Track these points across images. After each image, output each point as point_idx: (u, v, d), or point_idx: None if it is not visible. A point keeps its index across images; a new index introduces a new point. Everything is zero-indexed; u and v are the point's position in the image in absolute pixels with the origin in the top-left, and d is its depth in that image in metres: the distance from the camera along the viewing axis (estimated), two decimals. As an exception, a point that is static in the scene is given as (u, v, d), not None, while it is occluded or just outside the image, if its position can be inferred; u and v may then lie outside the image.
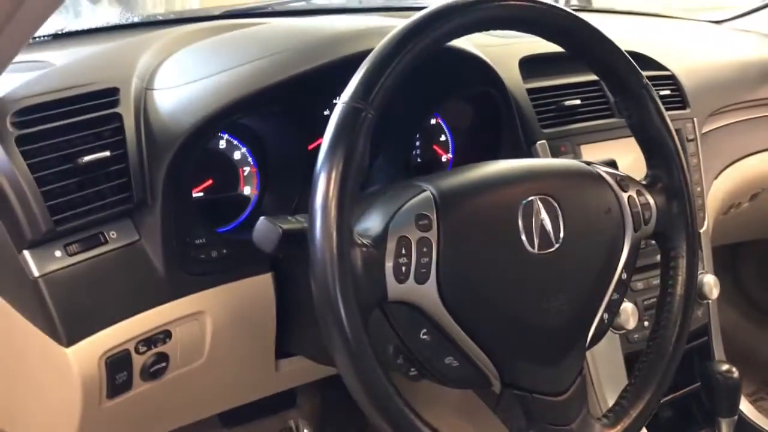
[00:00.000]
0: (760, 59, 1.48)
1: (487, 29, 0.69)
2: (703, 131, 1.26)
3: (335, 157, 0.56)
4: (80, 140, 0.72)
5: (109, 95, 0.77)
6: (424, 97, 0.94)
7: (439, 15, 0.62)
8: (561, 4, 1.73)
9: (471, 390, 0.72)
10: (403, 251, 0.59)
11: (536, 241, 0.65)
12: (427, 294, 0.60)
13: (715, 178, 1.28)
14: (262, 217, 0.63)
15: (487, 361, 0.64)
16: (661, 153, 0.75)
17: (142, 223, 0.75)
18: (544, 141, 1.00)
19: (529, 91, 1.02)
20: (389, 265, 0.59)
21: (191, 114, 0.75)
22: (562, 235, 0.66)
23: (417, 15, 0.62)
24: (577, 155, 1.03)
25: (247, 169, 0.89)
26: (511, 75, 1.00)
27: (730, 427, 1.04)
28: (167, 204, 0.75)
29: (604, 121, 1.08)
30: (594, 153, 1.04)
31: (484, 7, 0.64)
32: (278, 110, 0.83)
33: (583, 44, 0.72)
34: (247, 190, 0.90)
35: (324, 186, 0.56)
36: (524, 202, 0.65)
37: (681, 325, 0.74)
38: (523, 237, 0.64)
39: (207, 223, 0.81)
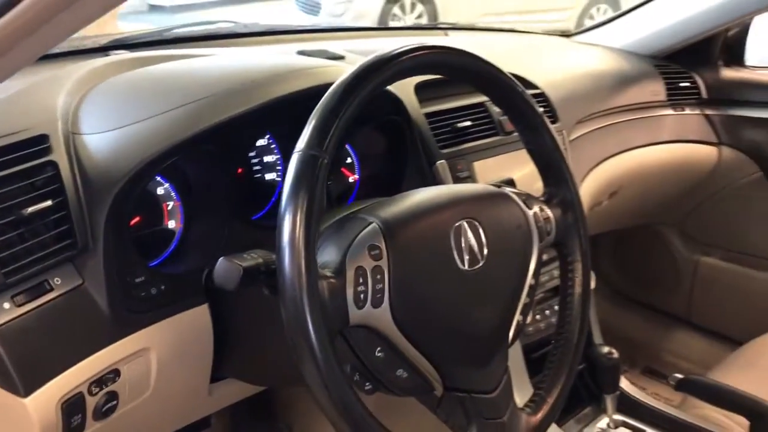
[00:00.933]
0: (609, 71, 1.67)
1: (415, 75, 0.77)
2: (570, 139, 1.41)
3: (298, 200, 0.62)
4: (19, 191, 0.73)
5: (41, 143, 0.77)
6: None
7: (375, 66, 0.70)
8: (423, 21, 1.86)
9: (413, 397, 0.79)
10: (361, 280, 0.66)
11: (466, 259, 0.74)
12: (382, 316, 0.67)
13: (582, 181, 1.45)
14: (221, 258, 0.68)
15: (431, 369, 0.72)
16: (556, 173, 0.87)
17: (85, 267, 0.77)
18: (443, 161, 1.10)
19: (426, 115, 1.12)
20: (350, 292, 0.65)
21: (129, 159, 0.78)
22: (485, 252, 0.76)
23: (355, 67, 0.69)
24: (471, 171, 1.13)
25: (170, 203, 0.92)
26: (410, 101, 1.09)
27: (613, 402, 1.19)
28: (108, 246, 0.77)
29: (490, 140, 1.20)
30: (485, 167, 1.16)
31: (410, 56, 0.72)
32: (205, 148, 0.87)
33: (488, 84, 0.82)
34: (171, 224, 0.93)
35: (290, 227, 0.62)
36: (455, 225, 0.74)
37: (582, 319, 0.87)
38: (456, 256, 0.73)
39: (142, 260, 0.84)
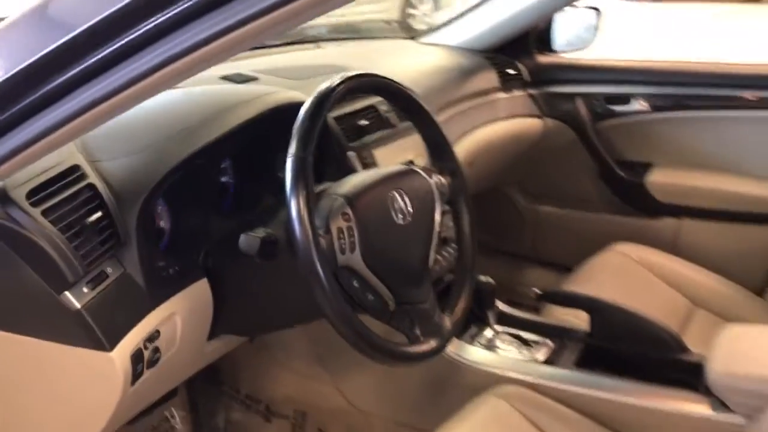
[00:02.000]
0: (452, 67, 2.06)
1: (354, 94, 1.11)
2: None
3: (299, 189, 0.94)
4: (80, 206, 0.99)
5: (77, 171, 1.03)
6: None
7: (331, 89, 1.04)
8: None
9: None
10: (340, 236, 1.00)
11: (400, 217, 1.09)
12: (356, 259, 1.01)
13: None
14: (242, 235, 0.99)
15: (387, 292, 1.07)
16: (443, 151, 1.25)
17: (124, 258, 1.04)
18: (352, 152, 1.44)
19: (335, 118, 1.45)
20: (336, 244, 0.99)
21: (148, 178, 1.05)
22: (411, 210, 1.11)
23: (324, 84, 1.02)
24: (373, 158, 1.48)
25: (162, 210, 1.19)
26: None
27: (494, 316, 1.59)
28: (139, 241, 1.05)
29: (383, 132, 1.55)
30: (383, 154, 1.51)
31: (353, 80, 1.07)
32: (197, 163, 1.15)
33: (394, 95, 1.19)
34: (164, 224, 1.20)
35: (296, 206, 0.94)
36: (389, 195, 1.09)
37: (473, 250, 1.26)
38: (393, 215, 1.08)
39: (158, 249, 1.12)
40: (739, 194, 2.05)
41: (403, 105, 1.23)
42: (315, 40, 2.16)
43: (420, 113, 1.22)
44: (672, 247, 2.15)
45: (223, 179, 1.31)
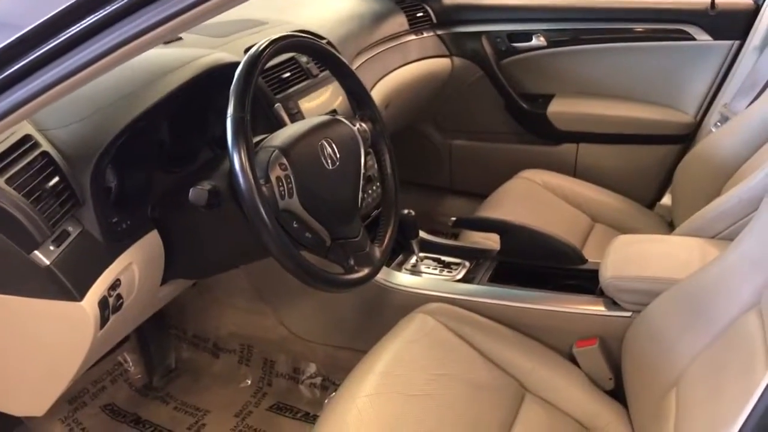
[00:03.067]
0: (366, 13, 2.17)
1: (281, 53, 1.23)
2: (353, 71, 1.91)
3: (240, 145, 1.06)
4: (37, 172, 1.08)
5: (29, 140, 1.11)
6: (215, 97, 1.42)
7: (260, 51, 1.15)
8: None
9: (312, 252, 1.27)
10: (279, 183, 1.13)
11: (329, 162, 1.23)
12: (295, 202, 1.15)
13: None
14: (192, 188, 1.11)
15: (323, 230, 1.21)
16: (363, 99, 1.39)
17: (82, 217, 1.14)
18: (278, 104, 1.55)
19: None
20: (276, 191, 1.12)
21: (97, 142, 1.14)
22: (338, 156, 1.25)
23: (253, 49, 1.13)
24: (298, 108, 1.60)
25: (108, 169, 1.28)
26: (246, 63, 1.52)
27: (417, 244, 1.75)
28: (94, 200, 1.15)
29: (305, 83, 1.66)
30: (308, 103, 1.63)
31: (289, 39, 1.18)
32: (140, 125, 1.24)
33: (317, 53, 1.32)
34: (110, 182, 1.29)
35: (239, 160, 1.06)
36: (318, 143, 1.22)
37: (395, 190, 1.41)
38: (323, 161, 1.22)
39: (112, 206, 1.22)
40: (630, 118, 2.27)
41: (324, 60, 1.35)
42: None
43: (340, 67, 1.35)
44: (573, 170, 2.38)
45: (163, 138, 1.41)
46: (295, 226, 1.16)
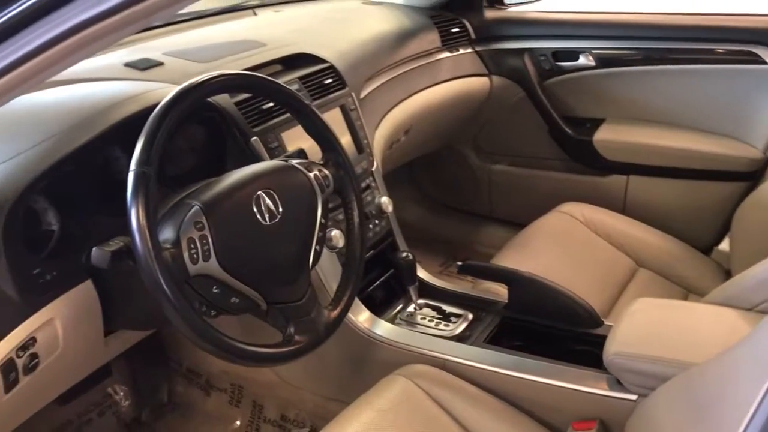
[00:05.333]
0: (392, 29, 2.01)
1: (212, 96, 1.09)
2: (361, 97, 1.76)
3: (138, 203, 0.94)
4: None
5: None
6: None
7: (185, 92, 1.02)
8: None
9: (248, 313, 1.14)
10: (192, 246, 1.00)
11: (267, 217, 1.09)
12: (212, 266, 1.02)
13: (376, 128, 1.80)
14: (94, 248, 1.00)
15: (254, 293, 1.07)
16: (328, 144, 1.24)
17: None
18: (256, 137, 1.42)
19: (236, 104, 1.42)
20: (186, 255, 0.99)
21: (9, 189, 1.05)
22: (281, 210, 1.11)
23: (166, 99, 1.01)
24: (280, 141, 1.46)
25: (48, 211, 1.20)
26: (221, 97, 1.39)
27: (415, 291, 1.59)
28: (7, 253, 1.06)
29: (287, 115, 1.52)
30: (290, 136, 1.49)
31: (213, 80, 1.05)
32: (67, 169, 1.15)
33: (267, 92, 1.17)
34: (51, 226, 1.21)
35: (136, 221, 0.94)
36: (255, 195, 1.08)
37: (362, 241, 1.25)
38: (258, 217, 1.08)
39: (34, 256, 1.13)
40: (687, 150, 2.00)
41: (278, 100, 1.21)
42: (254, 7, 2.12)
43: (297, 107, 1.20)
44: (622, 205, 2.13)
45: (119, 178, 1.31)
46: (215, 291, 1.03)
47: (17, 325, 1.07)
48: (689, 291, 1.76)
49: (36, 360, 1.10)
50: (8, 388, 1.06)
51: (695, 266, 1.85)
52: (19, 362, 1.07)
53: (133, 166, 0.96)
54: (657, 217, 2.01)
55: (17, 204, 1.06)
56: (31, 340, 1.09)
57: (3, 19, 0.69)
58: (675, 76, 2.00)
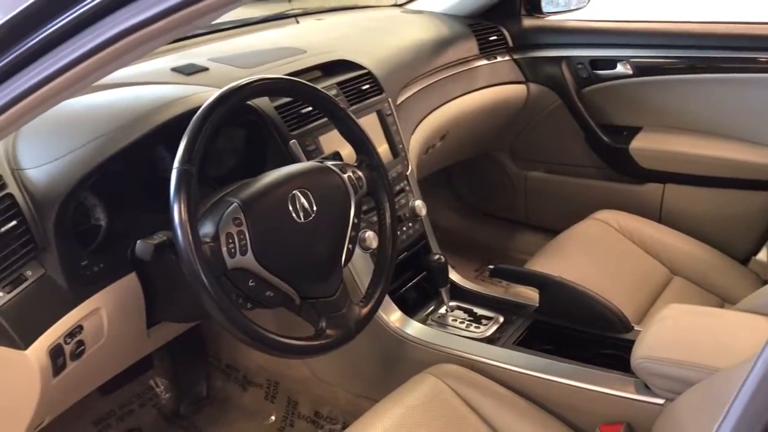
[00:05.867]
0: (430, 38, 2.05)
1: (251, 99, 1.15)
2: (398, 103, 1.80)
3: (180, 199, 1.00)
4: None
5: None
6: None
7: (227, 94, 1.07)
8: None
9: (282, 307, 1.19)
10: (230, 241, 1.05)
11: (301, 215, 1.13)
12: (249, 260, 1.06)
13: (412, 133, 1.83)
14: (138, 241, 1.06)
15: (288, 288, 1.12)
16: (363, 147, 1.28)
17: (45, 261, 1.12)
18: (294, 140, 1.47)
19: (276, 108, 1.48)
20: (224, 249, 1.04)
21: (62, 185, 1.12)
22: (315, 208, 1.15)
23: (214, 96, 1.06)
24: (317, 145, 1.51)
25: (97, 207, 1.27)
26: (262, 101, 1.45)
27: (447, 293, 1.61)
28: (58, 245, 1.13)
29: (325, 119, 1.57)
30: (327, 140, 1.53)
31: (254, 84, 1.10)
32: (115, 167, 1.21)
33: (304, 96, 1.22)
34: (99, 221, 1.28)
35: (178, 217, 0.99)
36: (290, 195, 1.13)
37: (393, 242, 1.29)
38: (293, 215, 1.13)
39: (83, 249, 1.20)
40: (724, 159, 1.99)
41: (314, 103, 1.26)
42: (296, 15, 2.18)
43: (333, 111, 1.25)
44: (658, 213, 2.12)
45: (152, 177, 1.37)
46: (251, 284, 1.08)
47: (66, 313, 1.13)
48: (724, 300, 1.75)
49: (82, 347, 1.16)
50: (57, 372, 1.12)
51: (731, 275, 1.84)
52: (67, 348, 1.13)
53: (176, 163, 1.02)
54: (694, 226, 1.99)
55: (69, 199, 1.13)
56: (78, 328, 1.15)
57: (63, 22, 0.75)
58: (713, 85, 1.99)
